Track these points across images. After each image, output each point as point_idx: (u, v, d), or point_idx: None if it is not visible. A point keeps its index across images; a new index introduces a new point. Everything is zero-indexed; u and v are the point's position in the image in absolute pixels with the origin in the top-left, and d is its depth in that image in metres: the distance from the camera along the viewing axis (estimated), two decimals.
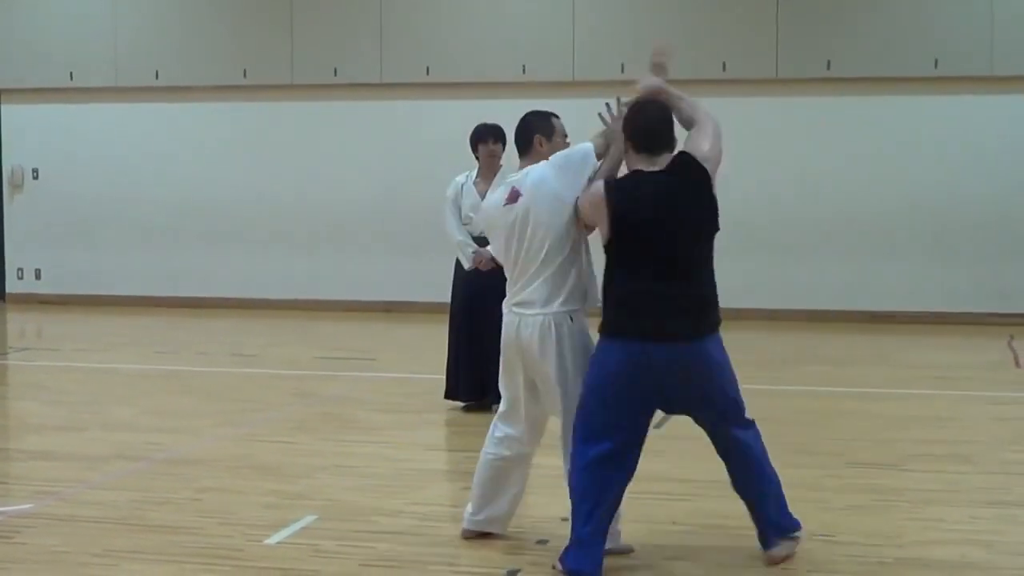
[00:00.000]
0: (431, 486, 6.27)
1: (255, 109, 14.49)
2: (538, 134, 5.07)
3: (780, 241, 13.41)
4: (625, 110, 4.82)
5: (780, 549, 4.87)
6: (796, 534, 4.92)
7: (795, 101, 13.39)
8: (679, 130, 4.81)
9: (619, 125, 4.78)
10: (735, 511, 5.58)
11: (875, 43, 13.04)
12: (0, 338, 12.68)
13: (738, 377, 4.84)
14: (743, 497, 4.88)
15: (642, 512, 5.40)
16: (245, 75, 14.23)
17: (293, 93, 14.28)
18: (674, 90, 4.89)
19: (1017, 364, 10.41)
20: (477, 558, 4.93)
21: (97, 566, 4.85)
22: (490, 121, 8.26)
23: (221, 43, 14.35)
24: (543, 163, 4.96)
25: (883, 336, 12.26)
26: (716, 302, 4.71)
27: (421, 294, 13.47)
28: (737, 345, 12.56)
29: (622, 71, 13.41)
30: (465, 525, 5.15)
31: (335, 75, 14.04)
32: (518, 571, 4.77)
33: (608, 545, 4.76)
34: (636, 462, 4.71)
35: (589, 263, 4.89)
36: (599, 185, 4.70)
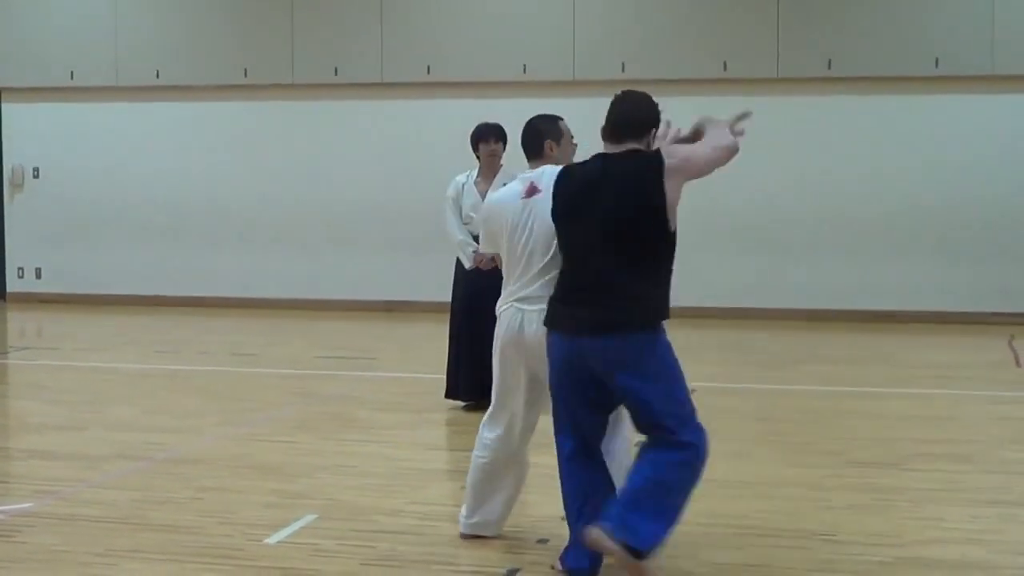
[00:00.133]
0: (431, 485, 6.27)
1: (256, 108, 14.50)
2: (548, 139, 5.04)
3: (780, 240, 13.41)
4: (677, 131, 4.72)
5: (602, 535, 4.32)
6: (636, 554, 4.32)
7: (796, 100, 13.39)
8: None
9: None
10: (736, 510, 5.59)
11: (876, 42, 13.03)
12: (0, 337, 12.68)
13: (685, 391, 4.56)
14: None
15: None
16: (246, 75, 14.23)
17: (294, 92, 14.28)
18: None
19: (1018, 363, 10.41)
20: (477, 557, 4.93)
21: (97, 565, 4.85)
22: (491, 120, 8.27)
23: (222, 43, 14.35)
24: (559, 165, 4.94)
25: (884, 335, 12.26)
26: (651, 300, 4.46)
27: (422, 293, 13.47)
28: (737, 345, 12.63)
29: (623, 70, 13.44)
30: (461, 528, 5.16)
31: (336, 74, 14.04)
32: (518, 570, 4.77)
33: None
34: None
35: None
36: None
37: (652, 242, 4.47)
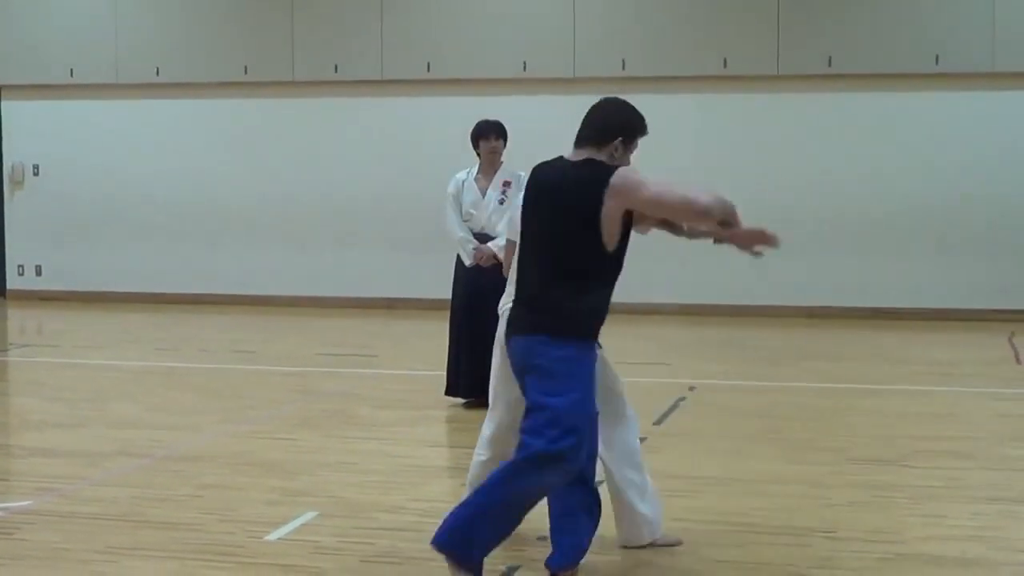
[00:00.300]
0: (432, 482, 6.27)
1: (256, 106, 14.50)
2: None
3: (781, 237, 13.37)
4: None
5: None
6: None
7: (796, 98, 13.39)
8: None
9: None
10: (736, 507, 5.59)
11: (876, 40, 13.03)
12: (0, 334, 12.68)
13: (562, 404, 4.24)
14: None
15: None
16: (246, 72, 14.22)
17: (294, 90, 14.28)
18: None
19: (1018, 361, 10.41)
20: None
21: (98, 562, 4.85)
22: (491, 118, 8.27)
23: (222, 40, 14.35)
24: None
25: (884, 332, 12.26)
26: (570, 314, 4.27)
27: (422, 290, 13.47)
28: (737, 342, 12.64)
29: (623, 68, 13.44)
30: None
31: (336, 72, 14.04)
32: (518, 567, 4.77)
33: (653, 538, 4.90)
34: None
35: None
36: None
37: (583, 257, 4.26)
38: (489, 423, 5.07)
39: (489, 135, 8.06)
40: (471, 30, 13.83)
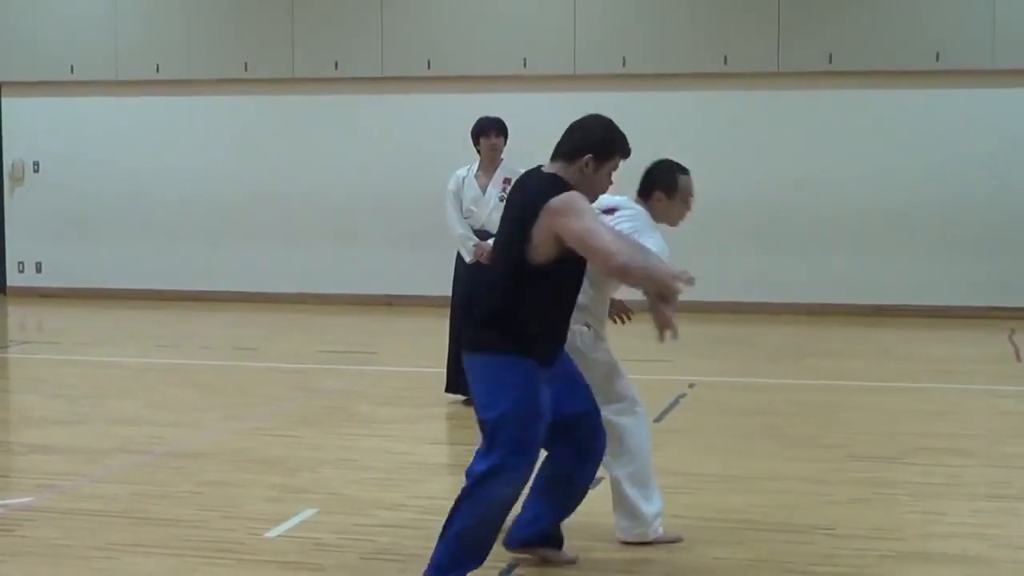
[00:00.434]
0: (432, 479, 6.27)
1: (256, 103, 14.49)
2: (658, 190, 4.98)
3: (781, 235, 13.41)
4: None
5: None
6: None
7: (796, 95, 13.39)
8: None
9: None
10: (737, 504, 5.59)
11: (876, 37, 13.02)
12: (1, 331, 12.68)
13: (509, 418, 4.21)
14: None
15: None
16: (246, 69, 14.22)
17: (294, 87, 14.28)
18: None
19: (1018, 358, 10.41)
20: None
21: (98, 559, 4.85)
22: (491, 115, 8.27)
23: (222, 37, 14.34)
24: (640, 209, 4.94)
25: (884, 330, 12.26)
26: (507, 324, 4.23)
27: (422, 288, 13.47)
28: (738, 339, 12.63)
29: (623, 65, 13.43)
30: None
31: (336, 69, 14.03)
32: (517, 564, 4.77)
33: (655, 535, 4.95)
34: None
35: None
36: None
37: (517, 266, 4.21)
38: None
39: (489, 132, 8.06)
40: (471, 27, 13.82)
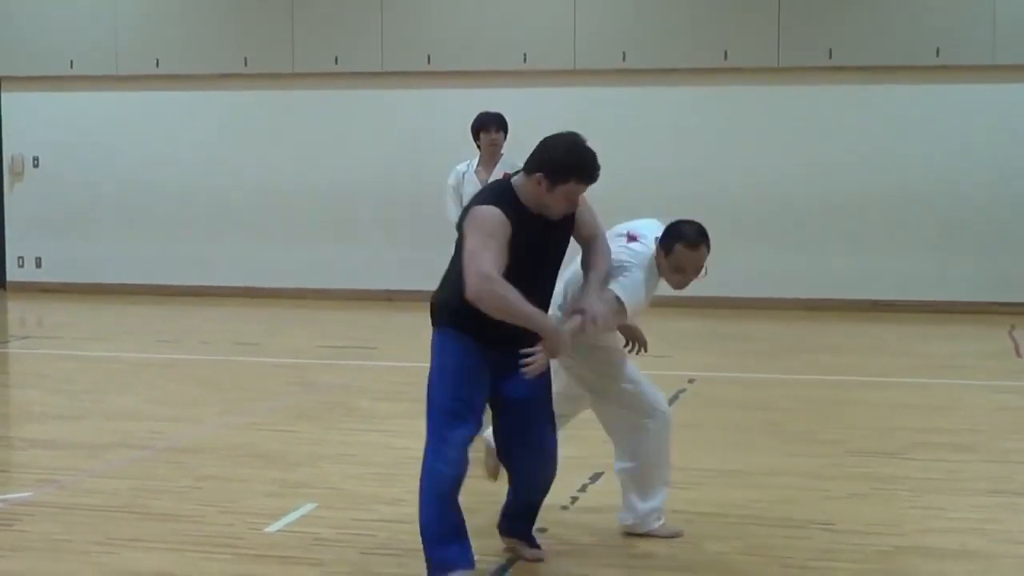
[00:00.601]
0: None
1: (256, 98, 14.48)
2: (661, 246, 4.82)
3: (781, 230, 13.40)
4: None
5: None
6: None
7: (796, 90, 13.38)
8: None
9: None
10: (735, 499, 5.60)
11: (876, 32, 13.02)
12: (1, 326, 12.69)
13: (435, 392, 4.46)
14: None
15: None
16: (246, 64, 14.21)
17: (294, 82, 14.27)
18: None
19: (1017, 353, 10.41)
20: (477, 546, 4.92)
21: (98, 554, 4.86)
22: (491, 110, 8.26)
23: (222, 31, 14.33)
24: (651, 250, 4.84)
25: (884, 325, 12.26)
26: (444, 302, 4.49)
27: (422, 282, 13.30)
28: (737, 334, 12.61)
29: (624, 60, 13.43)
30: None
31: (336, 64, 14.02)
32: (517, 559, 4.78)
33: (651, 528, 4.97)
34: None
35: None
36: None
37: (457, 256, 4.43)
38: None
39: (489, 127, 8.06)
40: (471, 22, 13.81)
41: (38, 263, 15.13)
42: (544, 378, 4.58)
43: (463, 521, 4.49)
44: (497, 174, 8.08)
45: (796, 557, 4.83)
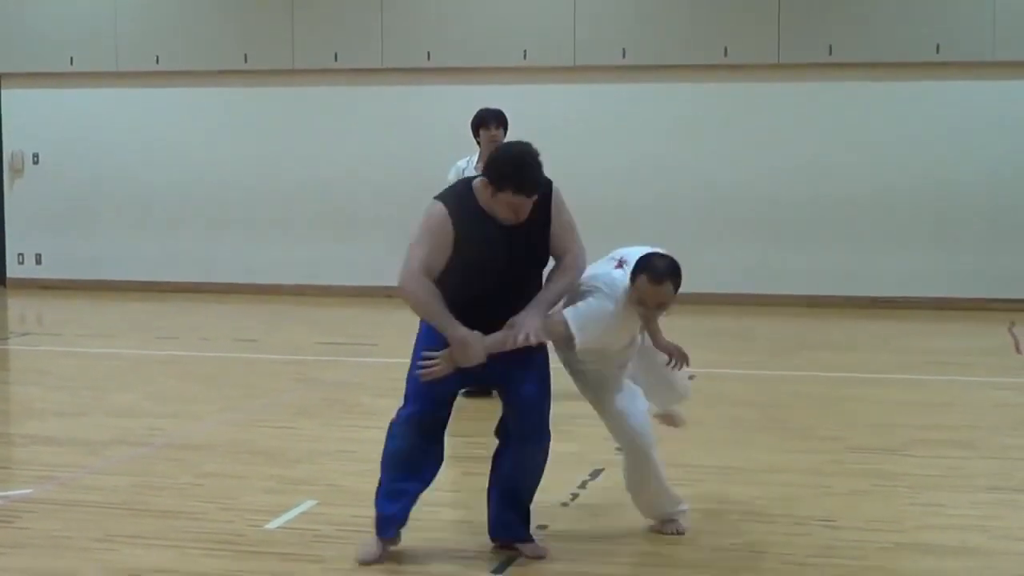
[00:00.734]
0: None
1: (256, 94, 14.47)
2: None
3: (781, 226, 13.40)
4: None
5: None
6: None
7: (796, 86, 13.36)
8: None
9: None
10: (736, 496, 5.59)
11: (877, 28, 13.00)
12: (1, 323, 12.69)
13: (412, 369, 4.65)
14: None
15: None
16: (246, 60, 14.20)
17: (294, 78, 14.26)
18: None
19: (1018, 350, 10.41)
20: (478, 543, 4.94)
21: (98, 551, 4.86)
22: (491, 106, 8.27)
23: (222, 28, 14.32)
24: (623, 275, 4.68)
25: (883, 321, 12.26)
26: None
27: None
28: (737, 331, 12.60)
29: (623, 56, 13.41)
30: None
31: (336, 60, 14.02)
32: (516, 556, 4.78)
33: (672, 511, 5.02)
34: None
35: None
36: None
37: None
38: None
39: (489, 124, 8.06)
40: (471, 18, 13.80)
41: (38, 259, 15.13)
42: (543, 375, 4.61)
43: (400, 492, 4.75)
44: None
45: (796, 554, 4.84)
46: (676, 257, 4.67)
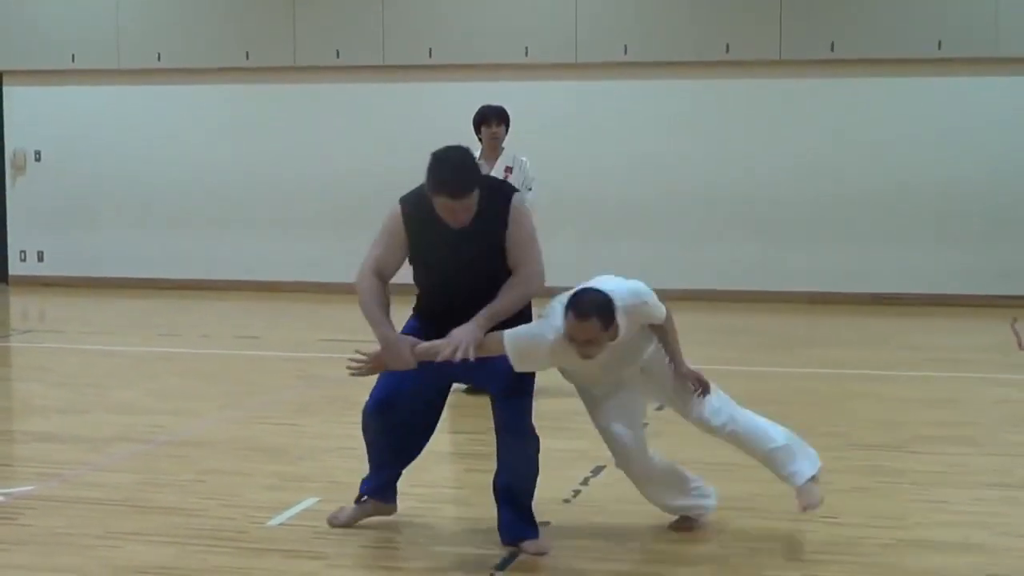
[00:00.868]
0: (433, 468, 6.25)
1: (257, 91, 14.47)
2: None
3: (782, 223, 13.38)
4: None
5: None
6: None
7: (798, 83, 13.35)
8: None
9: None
10: (737, 493, 5.59)
11: (879, 24, 12.99)
12: (3, 320, 12.69)
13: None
14: None
15: None
16: (247, 57, 14.20)
17: (295, 75, 14.25)
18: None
19: (1020, 346, 10.40)
20: (480, 539, 4.94)
21: (100, 547, 4.86)
22: (493, 103, 8.26)
23: (223, 25, 14.32)
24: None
25: (886, 318, 12.25)
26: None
27: None
28: (738, 327, 12.59)
29: (625, 52, 13.40)
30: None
31: (337, 57, 14.01)
32: (519, 552, 4.77)
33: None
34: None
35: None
36: None
37: None
38: None
39: (491, 121, 8.06)
40: (473, 15, 13.79)
41: (40, 257, 15.13)
42: (518, 373, 4.62)
43: (383, 463, 5.00)
44: (499, 167, 8.09)
45: (799, 550, 4.83)
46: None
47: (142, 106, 14.71)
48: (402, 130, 13.98)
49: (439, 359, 4.52)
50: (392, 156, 14.11)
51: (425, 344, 4.62)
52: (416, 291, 4.92)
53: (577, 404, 5.31)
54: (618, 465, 4.98)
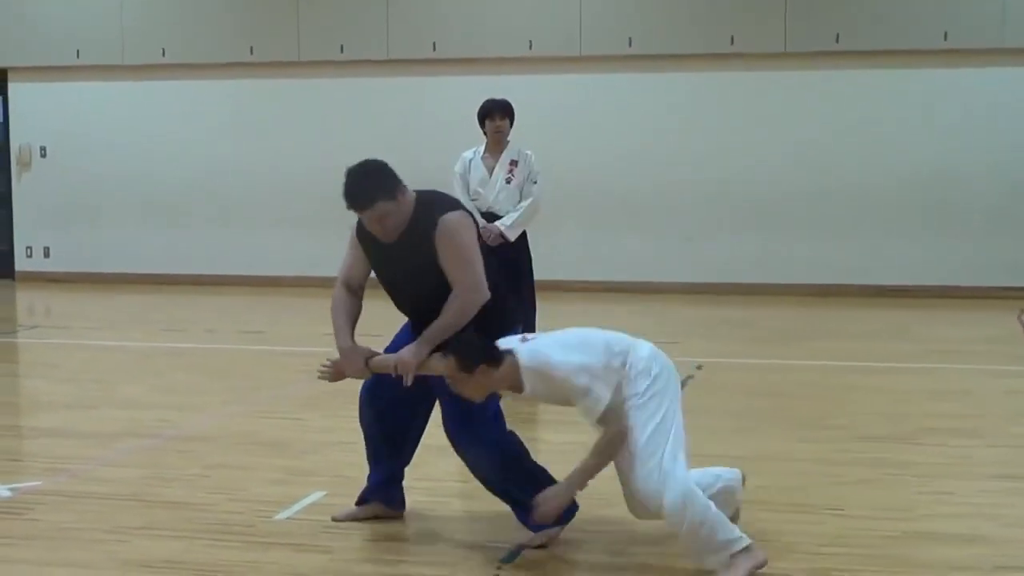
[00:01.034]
0: (438, 461, 6.25)
1: (261, 86, 14.47)
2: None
3: (788, 215, 13.37)
4: None
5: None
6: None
7: (804, 75, 13.32)
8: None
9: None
10: (746, 485, 5.58)
11: (885, 16, 12.96)
12: (9, 316, 12.71)
13: None
14: None
15: None
16: (251, 52, 14.20)
17: (299, 70, 14.25)
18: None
19: None
20: (486, 533, 4.94)
21: (107, 542, 4.87)
22: (497, 97, 8.26)
23: (227, 20, 14.32)
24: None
25: (891, 310, 12.23)
26: None
27: None
28: (744, 320, 12.59)
29: (629, 46, 13.38)
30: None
31: (341, 52, 14.00)
32: (524, 547, 4.78)
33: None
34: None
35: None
36: None
37: None
38: None
39: (495, 115, 8.07)
40: (477, 9, 13.78)
41: (46, 253, 15.15)
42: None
43: (380, 455, 5.08)
44: (503, 161, 8.10)
45: (805, 542, 4.83)
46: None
47: (146, 102, 14.72)
48: (406, 124, 13.98)
49: (392, 374, 4.78)
50: (396, 151, 14.02)
51: (380, 357, 4.91)
52: None
53: None
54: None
